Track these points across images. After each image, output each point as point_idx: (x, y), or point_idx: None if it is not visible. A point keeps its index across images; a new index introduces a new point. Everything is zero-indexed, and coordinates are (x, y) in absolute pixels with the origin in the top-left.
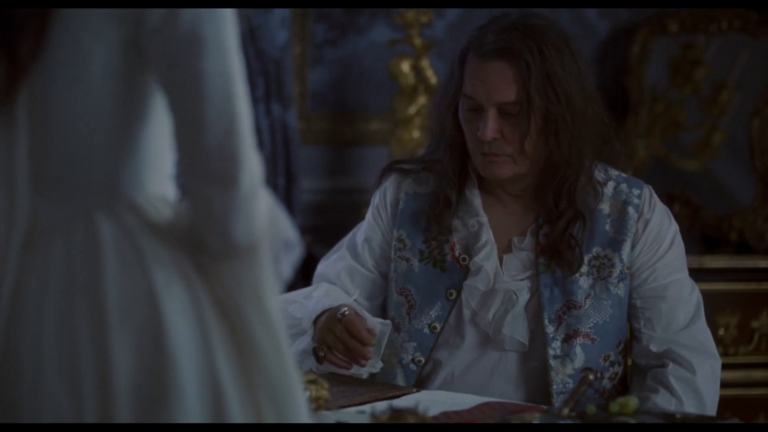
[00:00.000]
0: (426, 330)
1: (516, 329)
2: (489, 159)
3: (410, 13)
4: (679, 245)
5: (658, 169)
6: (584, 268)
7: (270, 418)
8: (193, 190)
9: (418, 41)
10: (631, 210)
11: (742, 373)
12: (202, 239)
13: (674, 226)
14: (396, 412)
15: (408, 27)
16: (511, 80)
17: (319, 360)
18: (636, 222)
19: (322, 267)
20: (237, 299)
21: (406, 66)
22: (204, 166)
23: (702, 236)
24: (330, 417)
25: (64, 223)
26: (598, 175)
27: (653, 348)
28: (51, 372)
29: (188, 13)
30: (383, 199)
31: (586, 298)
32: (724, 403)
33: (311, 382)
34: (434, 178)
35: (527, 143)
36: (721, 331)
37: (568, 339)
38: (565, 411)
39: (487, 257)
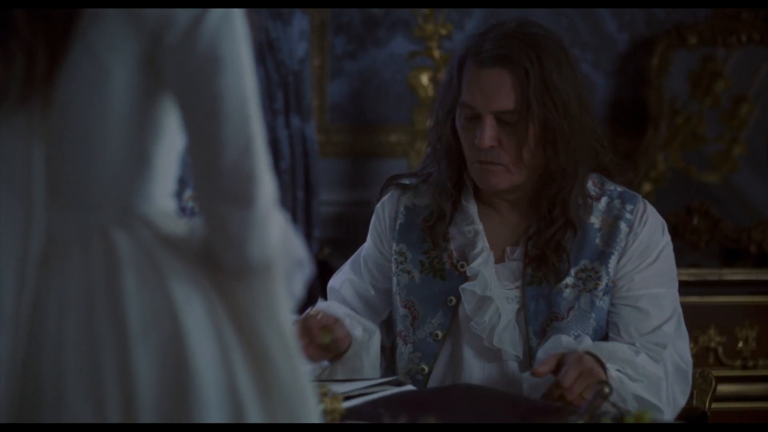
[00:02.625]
0: (429, 339)
1: (505, 340)
2: (485, 168)
3: (429, 26)
4: (666, 260)
5: (677, 181)
6: (570, 280)
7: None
8: (209, 209)
9: (437, 53)
10: (622, 224)
11: (762, 386)
12: (218, 257)
13: (665, 241)
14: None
15: (427, 39)
16: (509, 88)
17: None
18: (626, 236)
19: (333, 281)
20: (252, 315)
21: (425, 78)
22: (220, 186)
23: (721, 249)
24: None
25: (79, 237)
26: (593, 189)
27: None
28: (73, 388)
29: (206, 33)
30: (381, 216)
31: (569, 309)
32: (742, 415)
33: (325, 394)
34: (429, 189)
35: (524, 152)
36: (740, 344)
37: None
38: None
39: (484, 263)
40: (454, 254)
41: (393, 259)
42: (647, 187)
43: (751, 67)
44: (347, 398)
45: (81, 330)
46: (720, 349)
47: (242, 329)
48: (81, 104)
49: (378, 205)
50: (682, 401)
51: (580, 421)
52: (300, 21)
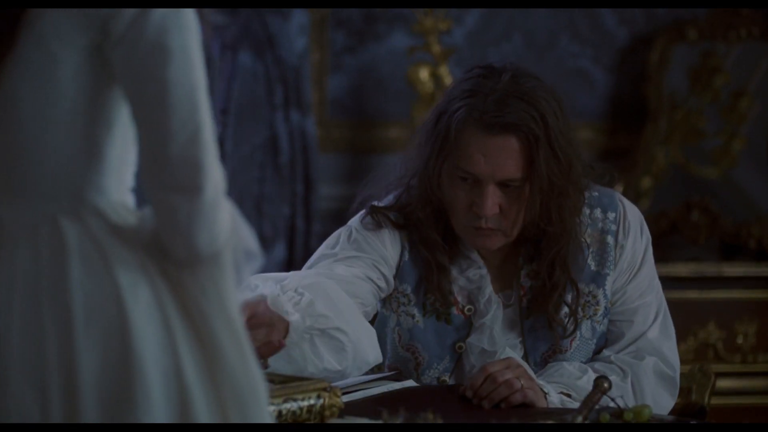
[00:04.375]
0: (435, 383)
1: None
2: (481, 233)
3: (429, 21)
4: (649, 258)
5: (677, 176)
6: (568, 309)
7: (235, 419)
8: (157, 198)
9: (436, 48)
10: (609, 239)
11: (761, 382)
12: (166, 246)
13: (645, 239)
14: (408, 419)
15: (426, 34)
16: (518, 156)
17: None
18: (614, 249)
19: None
20: (200, 304)
21: (424, 73)
22: (168, 175)
23: (721, 244)
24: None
25: (29, 227)
26: None
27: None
28: (17, 373)
29: (154, 23)
30: (379, 244)
31: (572, 341)
32: (743, 411)
33: (324, 390)
34: (421, 243)
35: (525, 216)
36: (739, 339)
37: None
38: (579, 419)
39: (493, 318)
40: (459, 299)
41: (395, 297)
42: (647, 182)
43: (750, 62)
44: (346, 393)
45: (26, 316)
46: (719, 345)
47: (190, 318)
48: (30, 95)
49: (370, 233)
50: (669, 403)
51: (579, 416)
52: (299, 16)
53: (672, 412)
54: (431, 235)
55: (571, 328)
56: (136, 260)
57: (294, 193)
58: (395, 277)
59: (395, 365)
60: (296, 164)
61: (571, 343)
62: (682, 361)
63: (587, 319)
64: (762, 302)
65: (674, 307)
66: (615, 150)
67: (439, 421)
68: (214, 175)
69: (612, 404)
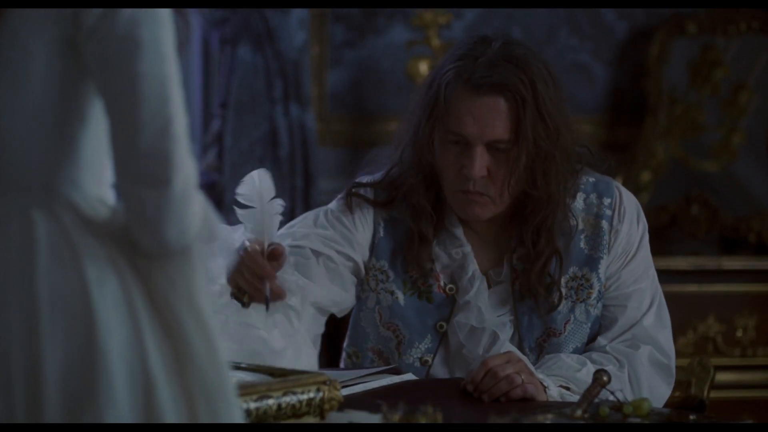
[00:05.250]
0: (417, 363)
1: None
2: (470, 198)
3: (428, 15)
4: (645, 246)
5: (676, 170)
6: (562, 291)
7: (204, 416)
8: (126, 191)
9: (436, 42)
10: (604, 223)
11: (761, 375)
12: (136, 240)
13: (642, 227)
14: (407, 412)
15: (426, 28)
16: (505, 117)
17: (244, 305)
18: (608, 234)
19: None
20: (170, 299)
21: (424, 67)
22: (137, 168)
23: (720, 238)
24: (341, 417)
25: (1, 219)
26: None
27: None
28: None
29: (125, 15)
30: (351, 226)
31: (566, 323)
32: (742, 405)
33: (323, 383)
34: (408, 213)
35: (513, 181)
36: (739, 333)
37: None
38: (578, 412)
39: (477, 293)
40: (441, 276)
41: (372, 275)
42: (646, 176)
43: (750, 56)
44: (345, 386)
45: None
46: (719, 338)
47: (159, 311)
48: (3, 88)
49: (343, 216)
50: (666, 392)
51: (579, 410)
52: (299, 10)
53: (671, 406)
54: (421, 201)
55: (556, 299)
56: (106, 254)
57: (293, 187)
58: (372, 255)
59: (378, 347)
60: (296, 158)
61: (565, 326)
62: (682, 355)
63: (581, 302)
64: (762, 296)
65: (674, 300)
66: (614, 144)
67: (439, 414)
68: (184, 169)
69: (611, 397)
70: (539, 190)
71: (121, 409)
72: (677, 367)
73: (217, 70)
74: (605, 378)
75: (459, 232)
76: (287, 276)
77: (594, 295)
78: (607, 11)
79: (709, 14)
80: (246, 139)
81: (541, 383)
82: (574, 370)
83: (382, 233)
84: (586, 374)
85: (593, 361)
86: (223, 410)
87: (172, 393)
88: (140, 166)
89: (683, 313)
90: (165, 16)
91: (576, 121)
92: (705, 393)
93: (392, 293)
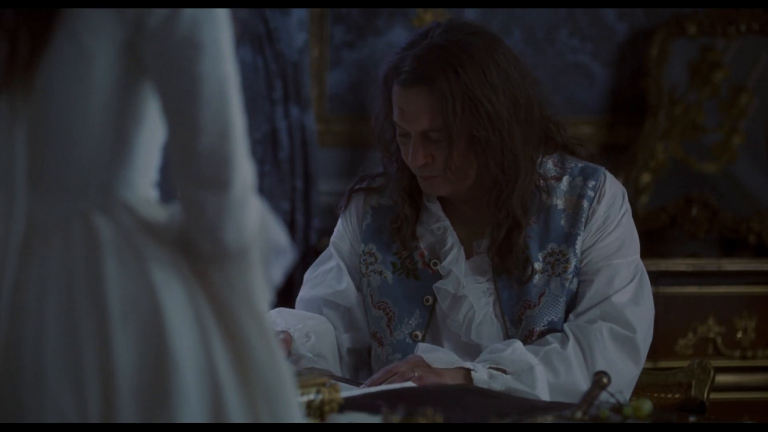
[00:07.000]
0: (408, 339)
1: (483, 334)
2: (425, 180)
3: (428, 15)
4: (624, 227)
5: (676, 171)
6: (539, 265)
7: (265, 418)
8: (185, 193)
9: None
10: (585, 203)
11: (761, 377)
12: (194, 242)
13: (624, 209)
14: (408, 413)
15: None
16: (429, 108)
17: None
18: (587, 211)
19: (303, 293)
20: (229, 301)
21: None
22: (197, 170)
23: (720, 239)
24: (342, 418)
25: (61, 223)
26: (553, 169)
27: (571, 317)
28: (54, 371)
29: (186, 17)
30: (348, 220)
31: (540, 296)
32: (743, 406)
33: (323, 385)
34: (392, 193)
35: (454, 165)
36: (739, 334)
37: (525, 340)
38: (578, 414)
39: (455, 260)
40: (425, 253)
41: (362, 260)
42: (646, 177)
43: (750, 57)
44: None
45: (62, 315)
46: (719, 340)
47: (220, 314)
48: (63, 90)
49: (345, 212)
50: (631, 368)
51: (578, 412)
52: (299, 11)
53: (671, 407)
54: (398, 186)
55: (529, 269)
56: (168, 257)
57: (294, 188)
58: (360, 240)
59: (372, 329)
60: (296, 159)
61: (540, 299)
62: (682, 357)
63: (557, 276)
64: (762, 297)
65: (673, 301)
66: (614, 145)
67: (439, 417)
68: (243, 171)
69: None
70: (482, 171)
71: (192, 413)
72: (677, 369)
73: None
74: (605, 380)
75: (436, 207)
76: (303, 351)
77: (570, 269)
78: (607, 12)
79: (708, 15)
80: (246, 140)
81: (467, 368)
82: (500, 350)
83: (369, 219)
84: (512, 352)
85: (545, 342)
86: (283, 411)
87: (239, 397)
88: (200, 169)
89: (683, 315)
90: (224, 17)
91: (576, 122)
92: (705, 394)
93: (381, 273)
